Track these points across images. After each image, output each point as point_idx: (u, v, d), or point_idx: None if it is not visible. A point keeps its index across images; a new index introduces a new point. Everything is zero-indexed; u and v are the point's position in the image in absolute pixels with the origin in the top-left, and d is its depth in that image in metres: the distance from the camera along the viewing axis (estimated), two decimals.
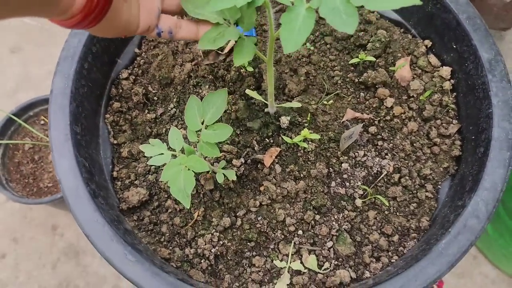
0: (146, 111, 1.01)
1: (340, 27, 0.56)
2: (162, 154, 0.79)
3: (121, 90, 1.02)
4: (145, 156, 0.96)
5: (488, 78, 0.86)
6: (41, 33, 1.90)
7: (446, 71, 0.98)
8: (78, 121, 0.86)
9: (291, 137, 0.93)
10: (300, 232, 0.87)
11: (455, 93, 0.97)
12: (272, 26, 0.72)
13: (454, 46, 0.95)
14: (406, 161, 0.93)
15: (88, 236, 0.75)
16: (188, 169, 0.72)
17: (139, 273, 0.73)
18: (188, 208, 0.78)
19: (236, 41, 0.72)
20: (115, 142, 0.97)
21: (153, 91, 1.02)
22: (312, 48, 1.06)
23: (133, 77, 1.04)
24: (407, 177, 0.91)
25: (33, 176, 1.33)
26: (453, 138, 0.95)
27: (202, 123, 0.75)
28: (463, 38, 0.91)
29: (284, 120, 0.95)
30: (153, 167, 0.94)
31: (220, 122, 0.76)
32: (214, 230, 0.87)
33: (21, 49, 1.88)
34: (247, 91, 0.96)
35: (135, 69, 1.05)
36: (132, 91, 1.00)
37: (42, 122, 1.40)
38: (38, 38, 1.89)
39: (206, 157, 0.93)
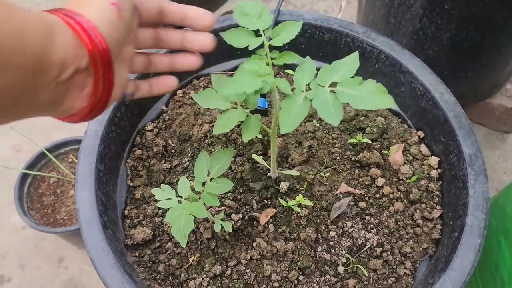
0: (163, 161, 1.13)
1: (327, 119, 0.68)
2: (170, 199, 0.91)
3: (144, 140, 1.15)
4: (155, 200, 1.07)
5: (468, 171, 0.96)
6: None
7: (434, 160, 1.09)
8: (103, 160, 0.99)
9: (287, 201, 1.03)
10: None
11: (440, 182, 1.07)
12: (277, 107, 0.86)
13: (442, 139, 1.06)
14: (390, 238, 1.01)
15: (93, 261, 0.84)
16: (190, 214, 0.83)
17: None
18: (184, 247, 0.87)
19: (243, 121, 0.85)
20: (131, 184, 1.09)
21: (172, 144, 1.16)
22: (318, 125, 1.19)
23: (157, 130, 1.18)
24: (388, 252, 0.99)
25: (52, 208, 1.45)
26: (435, 222, 1.03)
27: (208, 176, 0.87)
28: (450, 133, 1.03)
29: (283, 185, 1.05)
30: (161, 211, 1.05)
31: (223, 177, 0.87)
32: (205, 275, 0.95)
33: None
34: (253, 156, 1.08)
35: (159, 123, 1.19)
36: (154, 142, 1.14)
37: (70, 160, 1.55)
38: None
39: (209, 207, 1.04)
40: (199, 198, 0.89)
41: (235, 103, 0.85)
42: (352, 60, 0.77)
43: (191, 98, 1.24)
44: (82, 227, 0.88)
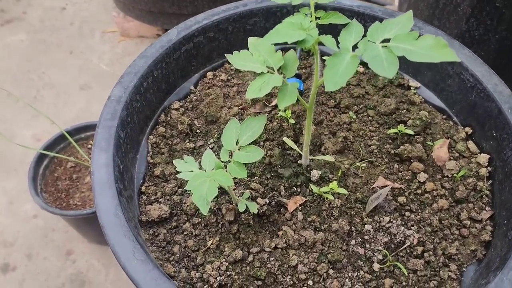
0: (187, 140, 1.06)
1: (381, 72, 0.60)
2: (192, 171, 0.83)
3: (169, 118, 1.09)
4: (175, 179, 1.00)
5: None
6: (112, 78, 2.09)
7: (484, 157, 0.98)
8: (124, 128, 0.92)
9: (319, 189, 0.94)
10: (310, 282, 0.84)
11: (491, 181, 0.96)
12: (317, 72, 0.78)
13: (494, 134, 0.96)
14: (432, 237, 0.90)
15: (103, 227, 0.76)
16: (214, 181, 0.75)
17: (142, 273, 0.72)
18: (206, 214, 0.78)
19: (280, 87, 0.77)
20: (152, 161, 1.01)
21: (198, 125, 1.09)
22: (354, 117, 1.11)
23: (183, 109, 1.11)
24: (431, 253, 0.88)
25: (66, 192, 1.38)
26: (484, 223, 0.92)
27: (237, 144, 0.79)
28: (504, 126, 0.93)
29: (315, 174, 0.96)
30: (180, 189, 0.96)
31: (253, 144, 0.79)
32: (224, 259, 0.86)
33: (90, 88, 2.06)
34: (284, 139, 1.00)
35: (186, 103, 1.13)
36: (179, 120, 1.07)
37: (90, 146, 1.49)
38: (108, 81, 2.07)
39: (234, 189, 0.95)
40: (226, 170, 0.80)
41: (272, 69, 0.77)
42: (406, 19, 0.70)
43: (221, 81, 1.17)
44: (96, 190, 0.80)
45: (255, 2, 1.14)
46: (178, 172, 0.82)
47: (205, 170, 0.81)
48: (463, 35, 1.35)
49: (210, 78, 1.18)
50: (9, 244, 1.56)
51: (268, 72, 0.76)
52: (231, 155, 0.80)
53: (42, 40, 2.24)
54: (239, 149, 0.79)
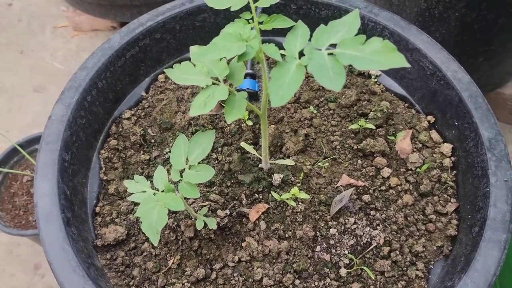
0: (142, 152, 1.01)
1: (327, 84, 0.55)
2: (144, 191, 0.78)
3: (120, 129, 1.03)
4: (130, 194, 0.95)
5: (488, 156, 0.83)
6: (67, 77, 1.98)
7: (447, 147, 0.96)
8: (69, 149, 0.86)
9: (280, 195, 0.90)
10: None
11: (455, 171, 0.95)
12: (266, 80, 0.73)
13: (456, 123, 0.94)
14: (398, 235, 0.88)
15: (51, 263, 0.71)
16: (164, 207, 0.70)
17: None
18: (156, 245, 0.74)
19: (226, 99, 0.71)
20: (105, 178, 0.96)
21: (152, 134, 1.03)
22: (315, 111, 1.07)
23: (135, 118, 1.05)
24: (397, 252, 0.86)
25: (24, 209, 1.31)
26: (449, 216, 0.90)
27: (187, 162, 0.74)
28: (465, 115, 0.90)
29: (277, 178, 0.93)
30: (137, 207, 0.91)
31: (203, 163, 0.74)
32: (186, 280, 0.82)
33: (44, 89, 1.96)
34: (242, 144, 0.95)
35: (138, 111, 1.07)
36: (131, 131, 1.01)
37: None
38: (63, 81, 1.97)
39: (192, 202, 0.91)
40: (177, 190, 0.76)
41: (217, 79, 0.72)
42: (352, 19, 0.65)
43: (174, 83, 1.11)
44: (40, 223, 0.75)
45: None
46: (129, 194, 0.77)
47: (158, 190, 0.77)
48: (422, 14, 1.31)
49: (162, 81, 1.12)
50: None
51: (212, 84, 0.71)
52: (182, 174, 0.75)
53: None
54: (189, 168, 0.74)
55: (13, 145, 1.33)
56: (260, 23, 0.72)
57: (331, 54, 0.59)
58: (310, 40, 0.64)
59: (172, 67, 1.14)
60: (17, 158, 1.37)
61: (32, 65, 2.03)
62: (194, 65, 0.73)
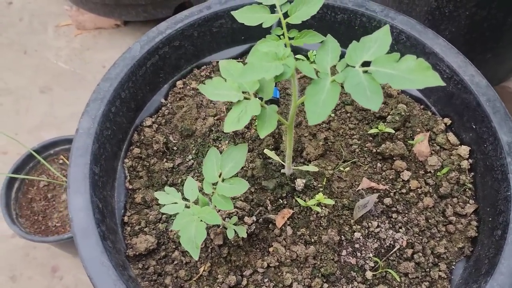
0: (165, 159, 1.02)
1: (365, 103, 0.57)
2: (176, 203, 0.80)
3: (142, 137, 1.04)
4: (157, 204, 0.96)
5: (508, 160, 0.86)
6: (73, 77, 1.98)
7: (464, 150, 0.99)
8: (98, 162, 0.88)
9: (305, 200, 0.93)
10: None
11: (472, 173, 0.97)
12: (295, 94, 0.75)
13: (474, 127, 0.96)
14: (420, 237, 0.91)
15: (91, 278, 0.73)
16: (201, 220, 0.72)
17: None
18: (196, 259, 0.76)
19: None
20: (130, 187, 0.97)
21: (174, 141, 1.04)
22: (332, 115, 1.08)
23: (156, 126, 1.06)
24: (420, 254, 0.89)
25: (43, 214, 1.33)
26: (469, 218, 0.93)
27: (219, 176, 0.76)
28: (483, 119, 0.93)
29: (300, 183, 0.95)
30: (164, 216, 0.94)
31: (237, 177, 0.76)
32: (218, 287, 0.85)
33: (50, 90, 1.95)
34: (266, 151, 0.97)
35: (159, 118, 1.08)
36: (154, 139, 1.02)
37: (61, 161, 1.43)
38: (69, 81, 1.97)
39: (219, 210, 0.93)
40: (210, 201, 0.78)
41: (247, 93, 0.73)
42: (383, 35, 0.66)
43: (193, 89, 1.12)
44: (77, 239, 0.76)
45: (219, 4, 1.07)
46: (161, 206, 0.79)
47: (189, 201, 0.78)
48: (433, 12, 1.33)
49: (180, 88, 1.13)
50: None
51: (244, 99, 0.72)
52: (215, 187, 0.77)
53: None
54: (222, 181, 0.76)
55: (28, 151, 1.33)
56: (291, 38, 0.73)
57: (366, 72, 0.60)
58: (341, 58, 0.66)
59: (192, 74, 1.16)
60: (33, 163, 1.38)
61: (37, 65, 2.02)
62: (225, 80, 0.75)
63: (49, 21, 2.18)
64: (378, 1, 1.48)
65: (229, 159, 0.76)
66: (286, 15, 0.72)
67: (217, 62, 1.16)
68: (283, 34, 0.72)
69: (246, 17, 0.72)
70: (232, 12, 0.73)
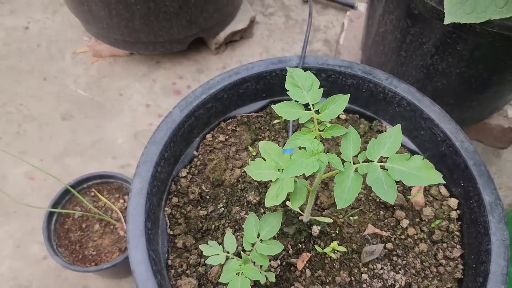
0: (199, 207, 1.19)
1: (383, 196, 0.75)
2: (218, 254, 0.97)
3: (179, 187, 1.20)
4: (196, 249, 1.13)
5: (489, 218, 1.04)
6: (92, 104, 2.12)
7: (453, 202, 1.18)
8: (149, 217, 1.04)
9: (320, 245, 1.10)
10: None
11: (460, 222, 1.16)
12: (321, 171, 0.92)
13: (462, 184, 1.14)
14: (416, 277, 1.10)
15: None
16: (245, 277, 0.89)
17: None
18: None
19: None
20: (171, 233, 1.14)
21: (206, 190, 1.21)
22: None
23: (190, 176, 1.23)
24: None
25: (79, 243, 1.48)
26: (456, 261, 1.12)
27: (258, 237, 0.93)
28: (470, 180, 1.11)
29: (315, 229, 1.12)
30: (203, 259, 1.10)
31: (273, 239, 0.93)
32: None
33: (72, 117, 2.09)
34: (288, 203, 1.14)
35: (192, 168, 1.24)
36: (189, 189, 1.19)
37: (92, 194, 1.58)
38: (89, 108, 2.10)
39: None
40: (249, 256, 0.95)
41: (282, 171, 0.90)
42: (396, 132, 0.85)
43: (220, 142, 1.29)
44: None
45: (246, 70, 1.24)
46: (206, 257, 0.96)
47: (228, 252, 0.96)
48: (428, 67, 1.51)
49: (209, 140, 1.29)
50: None
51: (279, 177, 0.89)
52: (253, 245, 0.94)
53: (12, 67, 2.21)
54: (260, 241, 0.93)
55: (65, 187, 1.48)
56: (321, 130, 0.90)
57: (383, 167, 0.78)
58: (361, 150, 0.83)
59: (219, 127, 1.32)
60: (68, 197, 1.53)
61: (57, 92, 2.15)
62: (264, 159, 0.92)
63: (66, 47, 2.30)
64: (379, 50, 1.66)
65: (267, 223, 0.94)
66: (317, 112, 0.88)
67: (241, 116, 1.33)
68: (315, 127, 0.89)
69: (285, 111, 0.89)
70: (273, 106, 0.90)
